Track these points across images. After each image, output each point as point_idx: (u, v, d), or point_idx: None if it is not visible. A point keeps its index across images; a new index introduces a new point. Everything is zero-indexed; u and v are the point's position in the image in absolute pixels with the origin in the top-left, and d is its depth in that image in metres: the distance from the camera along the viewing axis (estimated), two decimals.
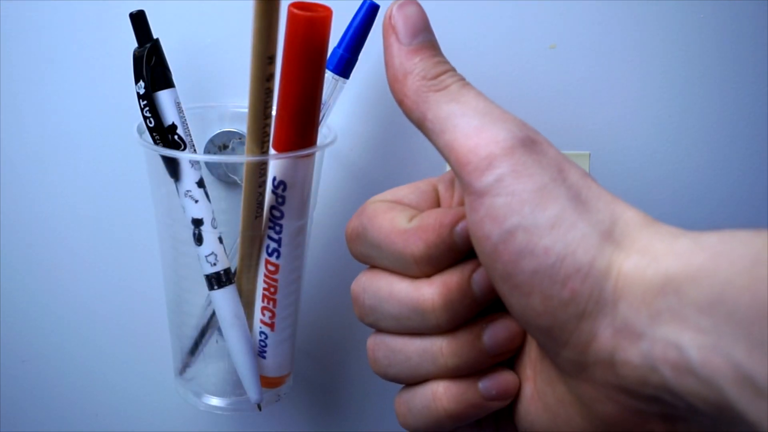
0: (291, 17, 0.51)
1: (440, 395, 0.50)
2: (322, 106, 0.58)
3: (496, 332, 0.49)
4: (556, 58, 0.67)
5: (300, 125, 0.55)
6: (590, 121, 0.67)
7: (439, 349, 0.50)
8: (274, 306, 0.60)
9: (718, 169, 0.68)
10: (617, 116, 0.67)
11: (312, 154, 0.57)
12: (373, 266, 0.52)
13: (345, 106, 0.67)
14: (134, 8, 0.58)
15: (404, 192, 0.54)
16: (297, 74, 0.53)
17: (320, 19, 0.52)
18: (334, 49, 0.61)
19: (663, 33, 0.66)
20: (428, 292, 0.49)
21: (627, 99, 0.67)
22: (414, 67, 0.48)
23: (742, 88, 0.67)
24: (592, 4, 0.65)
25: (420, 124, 0.48)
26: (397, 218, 0.50)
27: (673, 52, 0.67)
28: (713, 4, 0.66)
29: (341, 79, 0.62)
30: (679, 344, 0.38)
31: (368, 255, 0.52)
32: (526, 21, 0.66)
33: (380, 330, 0.52)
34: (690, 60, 0.67)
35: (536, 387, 0.49)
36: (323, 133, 0.61)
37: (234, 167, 0.65)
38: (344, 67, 0.61)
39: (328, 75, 0.61)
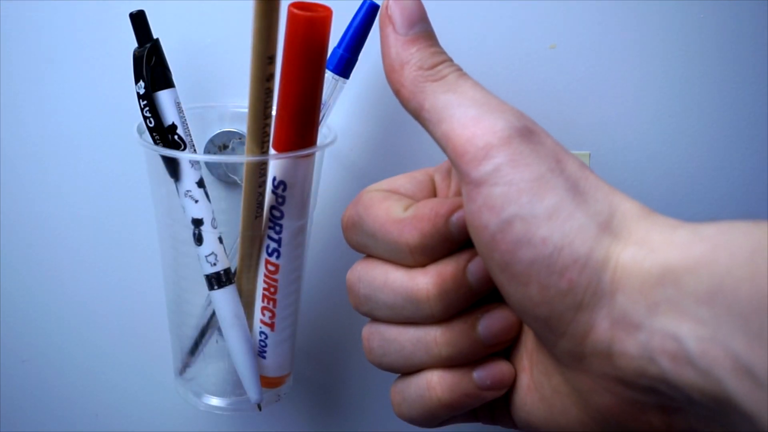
0: (291, 17, 0.51)
1: (434, 384, 0.50)
2: (322, 106, 0.58)
3: (491, 322, 0.49)
4: (556, 58, 0.67)
5: (300, 125, 0.55)
6: (590, 121, 0.67)
7: (433, 338, 0.50)
8: (274, 306, 0.60)
9: (718, 169, 0.68)
10: (617, 116, 0.67)
11: (312, 154, 0.57)
12: (369, 255, 0.52)
13: (345, 106, 0.67)
14: (134, 8, 0.58)
15: (400, 182, 0.54)
16: (297, 74, 0.53)
17: (320, 19, 0.52)
18: (334, 49, 0.61)
19: (663, 33, 0.66)
20: (423, 282, 0.49)
21: (627, 98, 0.67)
22: (411, 57, 0.48)
23: (742, 88, 0.67)
24: (592, 4, 0.65)
25: (417, 114, 0.48)
26: (393, 207, 0.50)
27: (673, 52, 0.67)
28: (713, 4, 0.66)
29: (341, 79, 0.62)
30: (677, 335, 0.38)
31: (364, 244, 0.52)
32: (526, 21, 0.66)
33: (375, 319, 0.52)
34: (690, 60, 0.67)
35: (532, 377, 0.49)
36: (323, 133, 0.61)
37: (234, 167, 0.65)
38: (344, 67, 0.61)
39: (328, 75, 0.61)
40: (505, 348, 0.51)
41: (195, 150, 0.61)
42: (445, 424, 0.53)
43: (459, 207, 0.48)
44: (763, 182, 0.68)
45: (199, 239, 0.58)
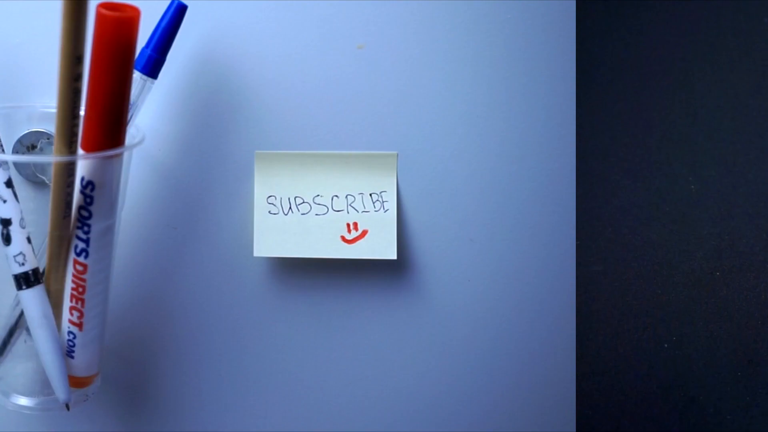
0: (99, 17, 0.51)
1: None
2: (130, 106, 0.58)
3: None
4: (364, 58, 0.68)
5: (108, 125, 0.55)
6: (398, 122, 0.69)
7: None
8: (83, 306, 0.60)
9: (524, 169, 0.69)
10: (424, 116, 0.68)
11: (120, 154, 0.57)
12: None
13: (153, 106, 0.67)
14: None
15: None
16: (105, 74, 0.53)
17: (128, 20, 0.52)
18: (142, 50, 0.61)
19: (471, 34, 0.67)
20: None
21: (434, 99, 0.68)
22: None
23: (548, 90, 0.68)
24: (400, 4, 0.66)
25: None
26: None
27: (480, 53, 0.67)
28: (520, 5, 0.67)
29: (149, 79, 0.62)
30: None
31: None
32: (335, 21, 0.67)
33: None
34: (497, 61, 0.68)
35: None
36: (131, 133, 0.61)
37: (42, 167, 0.64)
38: (152, 67, 0.62)
39: (136, 75, 0.61)
40: None
41: (3, 150, 0.60)
42: None
43: None
44: (570, 182, 0.70)
45: (7, 239, 0.58)
